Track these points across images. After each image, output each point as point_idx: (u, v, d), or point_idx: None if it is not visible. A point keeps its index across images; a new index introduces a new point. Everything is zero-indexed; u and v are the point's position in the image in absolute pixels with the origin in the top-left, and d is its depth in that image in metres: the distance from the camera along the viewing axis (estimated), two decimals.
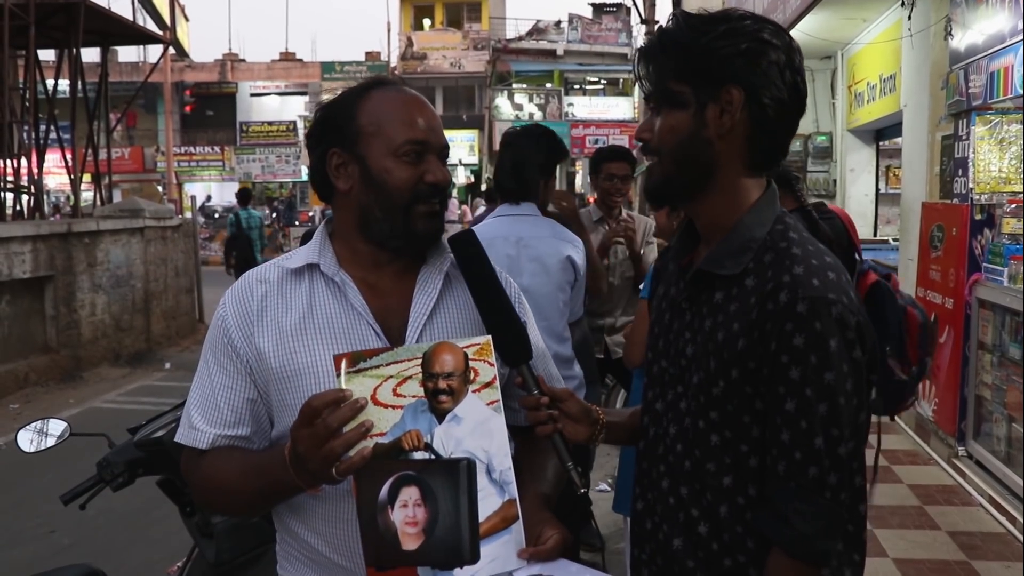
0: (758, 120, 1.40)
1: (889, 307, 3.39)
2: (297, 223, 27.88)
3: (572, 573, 1.40)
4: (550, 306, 3.16)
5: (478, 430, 1.38)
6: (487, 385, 1.40)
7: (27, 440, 2.72)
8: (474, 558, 1.36)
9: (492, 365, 1.41)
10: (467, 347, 1.40)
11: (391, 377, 1.36)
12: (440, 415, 1.37)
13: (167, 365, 10.26)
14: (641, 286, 3.77)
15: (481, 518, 1.37)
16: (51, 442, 2.73)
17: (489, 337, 1.43)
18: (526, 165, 3.29)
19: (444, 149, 1.57)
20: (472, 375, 1.40)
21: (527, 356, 1.51)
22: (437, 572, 1.36)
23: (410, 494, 1.34)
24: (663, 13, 17.94)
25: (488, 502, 1.38)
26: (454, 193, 29.32)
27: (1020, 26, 4.79)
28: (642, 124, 1.50)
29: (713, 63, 1.38)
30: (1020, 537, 4.43)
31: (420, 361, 1.37)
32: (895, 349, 3.39)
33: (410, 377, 1.37)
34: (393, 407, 1.35)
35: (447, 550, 1.35)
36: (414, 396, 1.36)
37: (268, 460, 1.44)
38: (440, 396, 1.37)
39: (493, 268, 1.58)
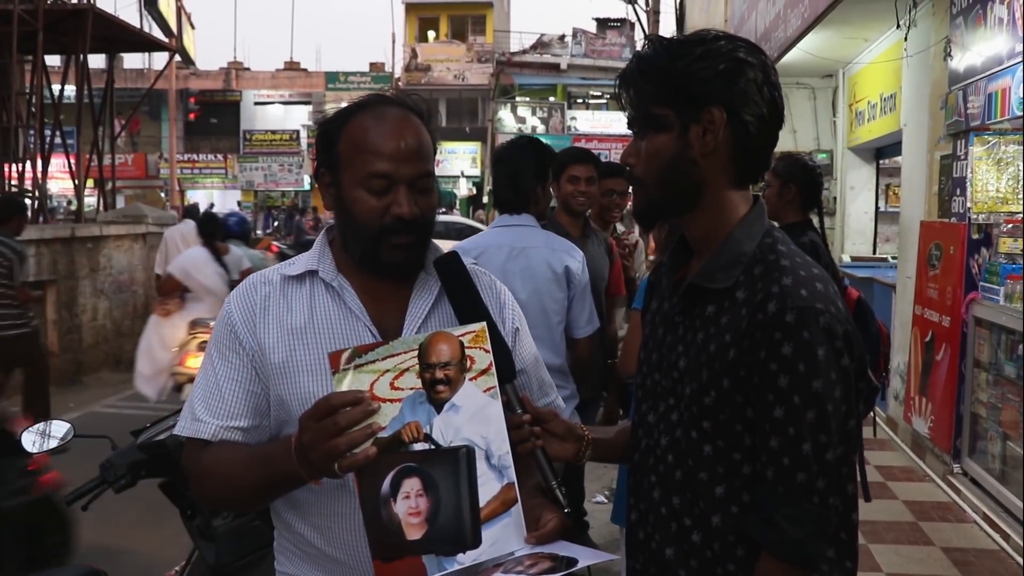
0: (741, 137, 1.44)
1: (870, 321, 3.54)
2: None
3: (572, 550, 1.43)
4: (537, 315, 3.18)
5: (476, 417, 1.41)
6: (483, 372, 1.42)
7: (30, 441, 2.75)
8: (476, 543, 1.39)
9: (488, 352, 1.43)
10: (462, 335, 1.42)
11: (388, 371, 1.37)
12: (438, 405, 1.39)
13: None
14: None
15: (481, 503, 1.40)
16: (54, 444, 2.76)
17: (484, 324, 1.44)
18: (520, 176, 3.36)
19: (419, 179, 1.53)
20: (468, 363, 1.41)
21: (511, 376, 1.53)
22: (441, 559, 1.38)
23: (412, 485, 1.36)
24: (667, 29, 18.04)
25: (487, 487, 1.41)
26: (456, 204, 29.40)
27: (1018, 48, 4.84)
28: (627, 149, 1.53)
29: (693, 85, 1.42)
30: (1013, 554, 4.45)
31: (416, 353, 1.39)
32: (872, 359, 3.52)
33: (407, 370, 1.38)
34: (391, 401, 1.37)
35: (450, 537, 1.38)
36: (411, 388, 1.38)
37: (273, 449, 1.47)
38: (438, 386, 1.39)
39: (477, 291, 1.60)
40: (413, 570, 1.37)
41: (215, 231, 6.76)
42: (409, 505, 1.37)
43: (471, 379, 1.42)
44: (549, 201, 3.49)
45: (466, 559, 1.38)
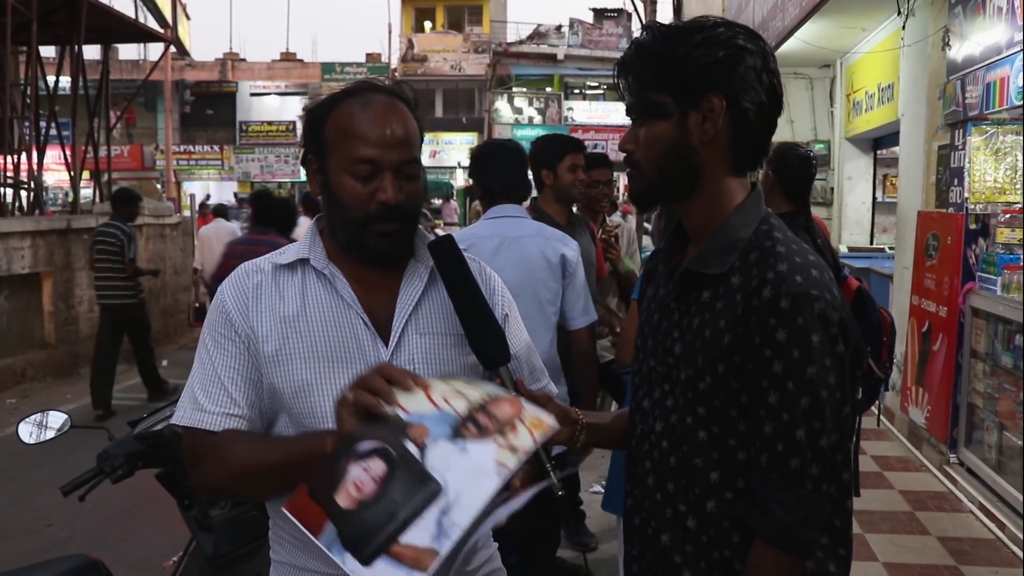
0: (740, 124, 1.44)
1: (871, 311, 3.51)
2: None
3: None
4: (532, 306, 3.14)
5: (469, 475, 1.29)
6: (511, 448, 1.32)
7: (27, 432, 2.75)
8: (367, 562, 1.25)
9: (534, 442, 1.34)
10: (530, 418, 1.37)
11: (455, 389, 1.38)
12: (454, 436, 1.33)
13: (164, 362, 10.23)
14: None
15: (400, 542, 1.25)
16: (51, 434, 2.75)
17: (554, 423, 1.40)
18: (508, 168, 3.37)
19: (405, 165, 1.55)
20: (510, 430, 1.34)
21: (505, 359, 1.53)
22: (337, 542, 1.27)
23: (377, 467, 1.29)
24: (664, 18, 17.98)
25: (416, 533, 1.25)
26: (453, 195, 29.38)
27: (1017, 37, 4.84)
28: (625, 136, 1.53)
29: (692, 73, 1.42)
30: (1009, 544, 4.46)
31: (485, 395, 1.39)
32: (874, 350, 3.50)
33: (464, 396, 1.37)
34: (433, 403, 1.36)
35: (359, 535, 1.26)
36: (454, 412, 1.35)
37: (308, 436, 1.49)
38: (469, 424, 1.33)
39: (471, 273, 1.60)
40: (316, 522, 1.29)
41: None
42: (359, 476, 1.29)
43: (498, 444, 1.32)
44: (530, 190, 3.50)
45: (347, 564, 1.25)
